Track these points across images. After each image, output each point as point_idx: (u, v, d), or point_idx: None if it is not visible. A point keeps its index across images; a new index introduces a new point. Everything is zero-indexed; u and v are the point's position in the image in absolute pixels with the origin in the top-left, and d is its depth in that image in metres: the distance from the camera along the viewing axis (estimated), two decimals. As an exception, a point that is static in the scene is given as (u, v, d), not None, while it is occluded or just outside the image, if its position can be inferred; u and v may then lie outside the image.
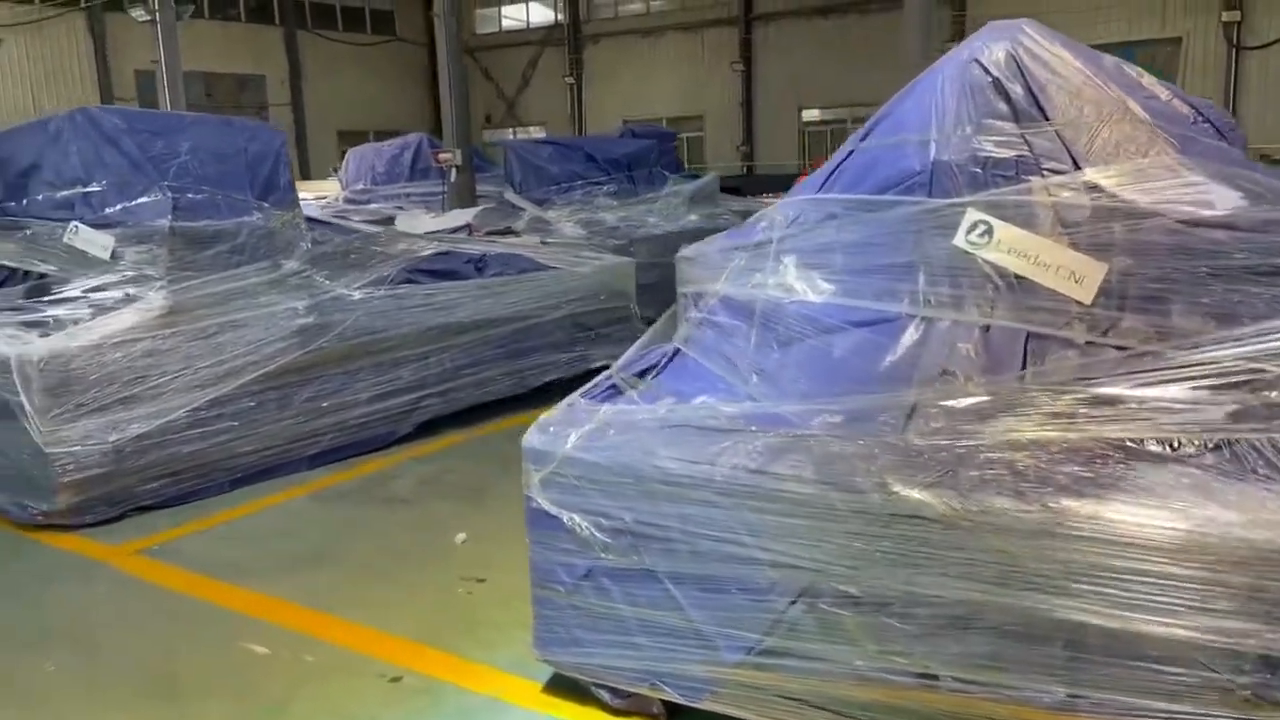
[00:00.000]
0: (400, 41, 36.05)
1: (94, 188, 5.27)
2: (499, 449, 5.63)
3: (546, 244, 7.87)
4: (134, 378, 4.68)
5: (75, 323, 4.74)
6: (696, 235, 10.23)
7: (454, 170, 14.19)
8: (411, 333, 5.80)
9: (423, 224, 10.51)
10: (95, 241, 5.03)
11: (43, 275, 5.25)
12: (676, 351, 3.42)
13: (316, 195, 14.91)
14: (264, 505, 4.89)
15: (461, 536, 4.33)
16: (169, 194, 5.11)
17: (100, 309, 4.84)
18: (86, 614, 3.82)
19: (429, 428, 5.91)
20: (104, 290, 4.91)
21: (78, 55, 28.35)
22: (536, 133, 35.16)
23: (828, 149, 29.73)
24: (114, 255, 4.97)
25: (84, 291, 4.98)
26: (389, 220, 12.68)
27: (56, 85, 28.02)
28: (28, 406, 4.44)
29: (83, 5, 26.97)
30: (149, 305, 4.76)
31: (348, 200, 14.56)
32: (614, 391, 3.19)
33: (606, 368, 3.51)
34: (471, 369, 6.14)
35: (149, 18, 16.60)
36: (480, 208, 11.52)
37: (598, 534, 2.75)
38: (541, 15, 35.22)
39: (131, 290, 4.87)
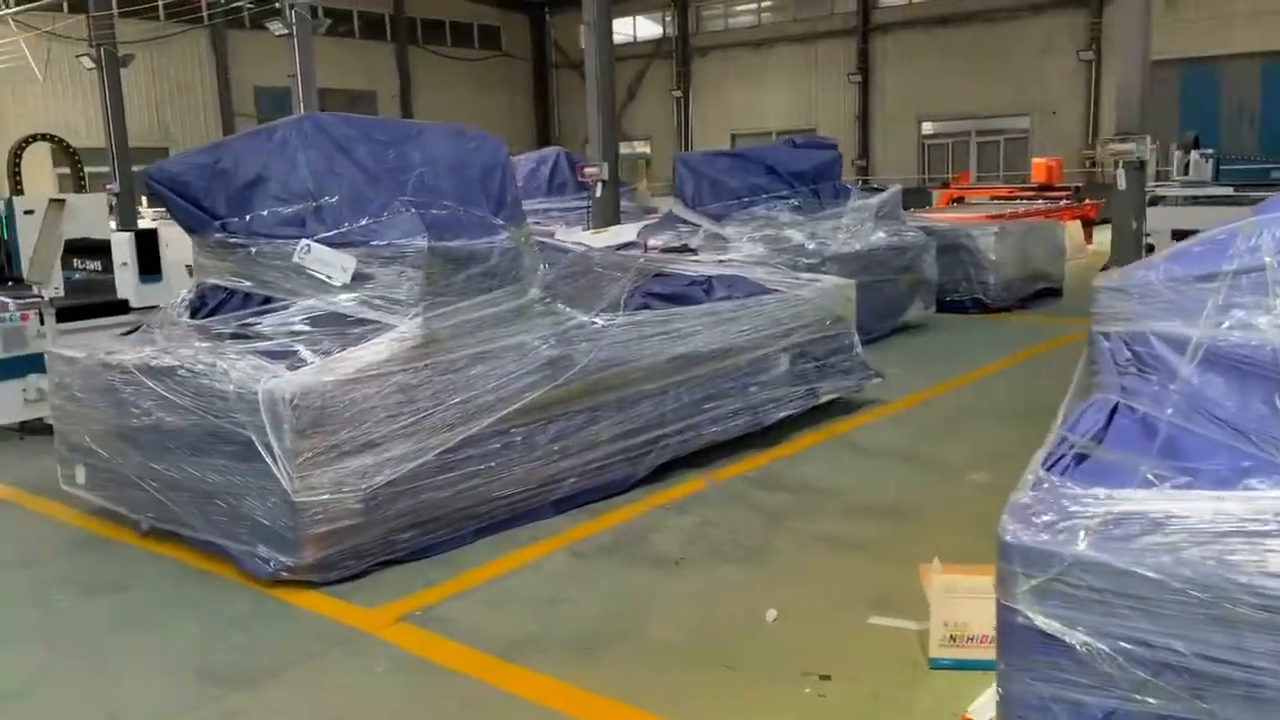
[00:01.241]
0: (506, 57, 36.05)
1: (326, 202, 4.80)
2: (749, 497, 5.04)
3: (762, 264, 7.25)
4: (386, 415, 4.17)
5: (324, 353, 4.25)
6: (891, 253, 9.62)
7: (600, 185, 13.71)
8: (652, 364, 5.22)
9: (587, 242, 9.99)
10: (332, 262, 4.54)
11: (267, 299, 4.80)
12: (1115, 408, 2.75)
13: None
14: (518, 561, 4.33)
15: (772, 614, 3.70)
16: (412, 210, 4.61)
17: (342, 337, 4.35)
18: (375, 704, 3.28)
19: (662, 470, 5.31)
20: (344, 317, 4.42)
21: (200, 71, 28.78)
22: (641, 147, 34.81)
23: (950, 163, 28.74)
24: (355, 277, 4.48)
25: (318, 317, 4.50)
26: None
27: (179, 101, 28.48)
28: (277, 448, 3.96)
29: (206, 23, 27.33)
30: (404, 335, 4.25)
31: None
32: (1077, 462, 2.53)
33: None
34: (709, 404, 5.54)
35: (285, 32, 16.50)
36: (642, 223, 10.98)
37: (1131, 667, 2.10)
38: (648, 30, 34.85)
39: (377, 317, 4.37)
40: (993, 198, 16.72)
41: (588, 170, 13.70)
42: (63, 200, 6.34)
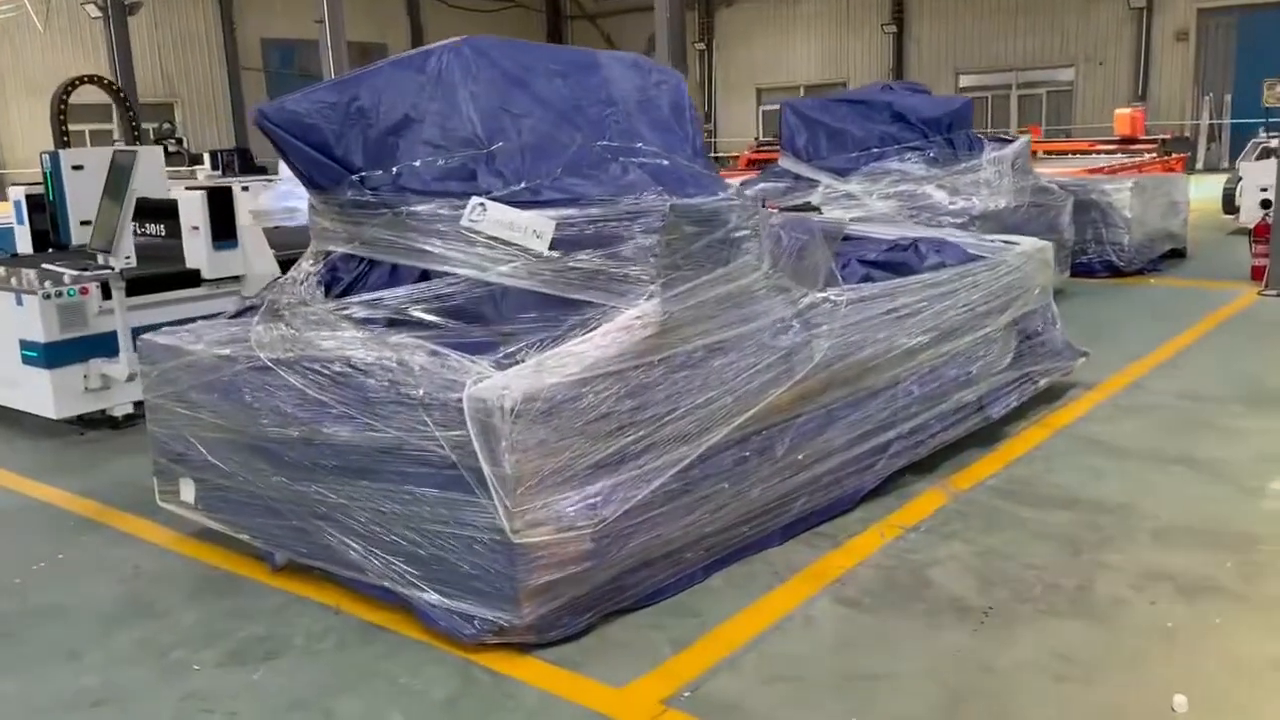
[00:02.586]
0: (520, 8, 34.65)
1: (501, 148, 3.79)
2: (1014, 515, 4.11)
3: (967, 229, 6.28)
4: (617, 427, 3.20)
5: (529, 347, 3.26)
6: (1035, 210, 8.58)
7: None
8: (884, 351, 4.25)
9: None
10: (521, 225, 3.53)
11: (424, 274, 3.80)
12: None
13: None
14: (775, 611, 3.37)
15: (1181, 702, 2.76)
16: (621, 158, 3.61)
17: (545, 324, 3.36)
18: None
19: (888, 482, 4.35)
20: (544, 298, 3.43)
21: (205, 23, 27.41)
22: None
23: (990, 117, 27.57)
24: (555, 245, 3.47)
25: (503, 297, 3.51)
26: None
27: (183, 54, 27.14)
28: (489, 473, 2.98)
29: (212, -29, 25.99)
30: (637, 320, 3.25)
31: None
32: None
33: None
34: (934, 400, 4.58)
35: (312, -25, 15.30)
36: (752, 177, 9.91)
37: None
38: (668, -22, 33.39)
39: (593, 296, 3.38)
40: (1073, 152, 15.68)
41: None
42: (133, 152, 5.32)
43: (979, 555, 3.74)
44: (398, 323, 3.67)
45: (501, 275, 3.54)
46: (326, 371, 3.35)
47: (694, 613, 3.38)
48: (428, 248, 3.80)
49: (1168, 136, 17.52)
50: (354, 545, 3.40)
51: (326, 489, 3.43)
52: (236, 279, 6.30)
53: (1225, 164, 21.49)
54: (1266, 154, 12.88)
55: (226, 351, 3.70)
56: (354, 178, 4.00)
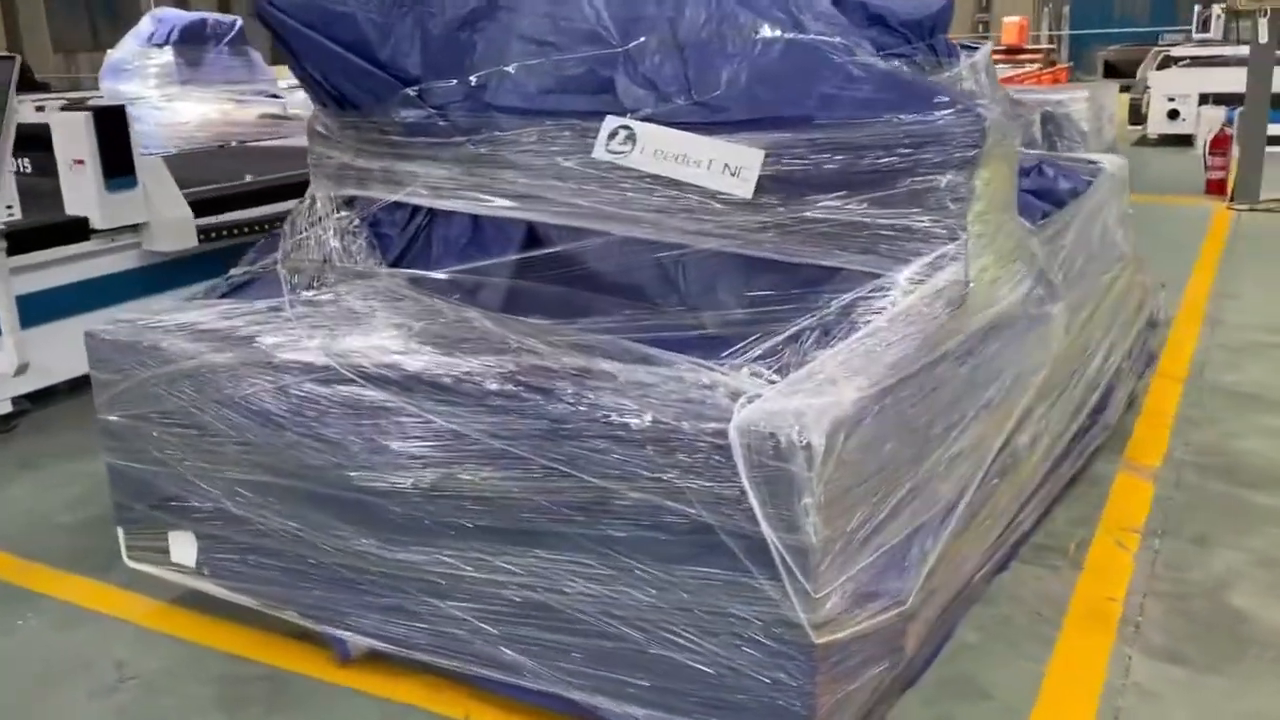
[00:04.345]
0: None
1: (640, 46, 2.65)
2: (1244, 499, 3.39)
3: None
4: (916, 450, 2.20)
5: (762, 340, 2.20)
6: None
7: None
8: (1094, 306, 3.40)
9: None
10: (706, 156, 2.43)
11: (532, 233, 2.66)
12: None
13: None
14: (1090, 682, 2.49)
15: None
16: (842, 56, 2.55)
17: (771, 305, 2.31)
18: None
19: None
20: (766, 264, 2.37)
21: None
22: None
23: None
24: (764, 189, 2.40)
25: (690, 262, 2.43)
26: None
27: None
28: (778, 543, 1.93)
29: None
30: (935, 295, 2.23)
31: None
32: None
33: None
34: (1114, 355, 3.77)
35: None
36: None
37: None
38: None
39: (848, 261, 2.34)
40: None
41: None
42: (11, 59, 3.80)
43: (1263, 565, 2.98)
44: (509, 306, 2.55)
45: (693, 233, 2.45)
46: (469, 386, 2.19)
47: (982, 690, 2.47)
48: (535, 191, 2.67)
49: (1052, 47, 17.39)
50: (502, 635, 2.30)
51: (459, 558, 2.30)
52: (135, 229, 4.84)
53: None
54: (1167, 63, 12.77)
55: (266, 355, 2.46)
56: (409, 91, 2.79)
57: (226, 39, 11.38)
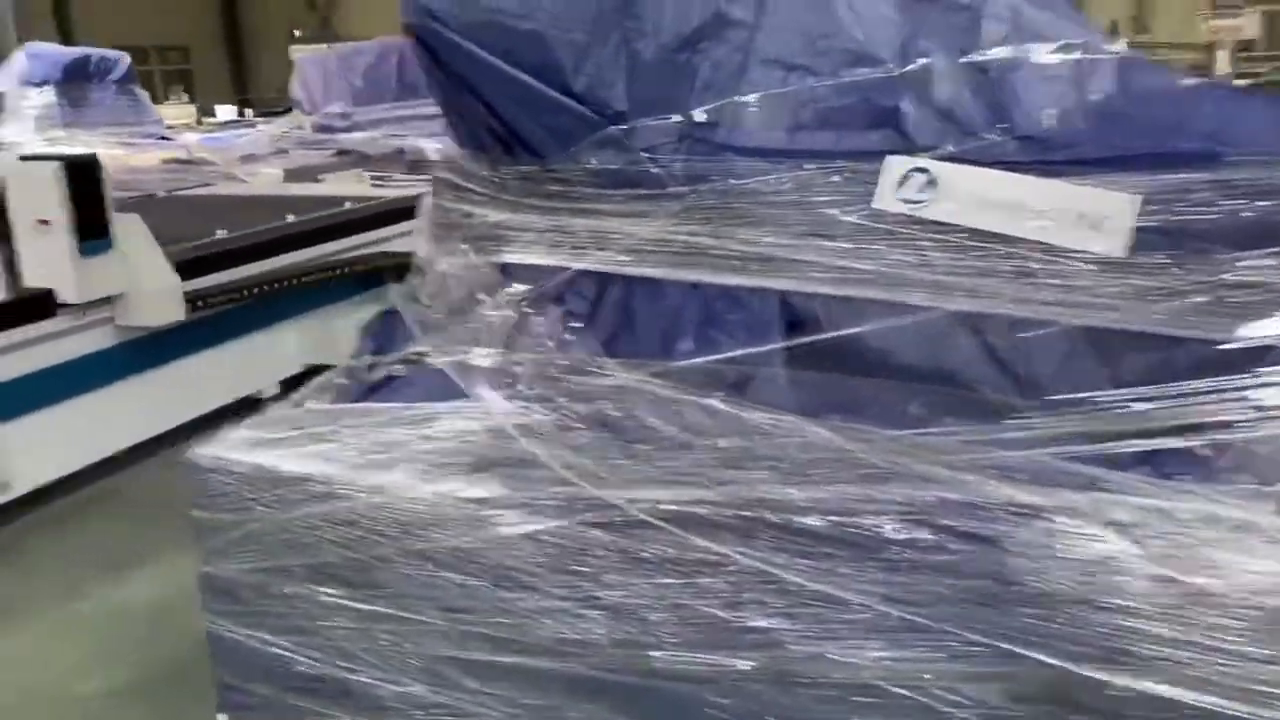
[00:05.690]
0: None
1: (935, 67, 2.11)
2: None
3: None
4: None
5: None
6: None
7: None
8: None
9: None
10: (1076, 204, 1.90)
11: (789, 310, 2.08)
12: None
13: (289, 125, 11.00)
14: None
15: None
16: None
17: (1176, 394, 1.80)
18: None
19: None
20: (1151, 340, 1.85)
21: None
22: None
23: None
24: (1144, 244, 1.89)
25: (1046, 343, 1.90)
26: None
27: None
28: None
29: None
30: None
31: (321, 128, 11.02)
32: None
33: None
34: None
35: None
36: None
37: None
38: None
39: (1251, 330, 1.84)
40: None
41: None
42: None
43: None
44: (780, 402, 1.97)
45: (1043, 304, 1.91)
46: (853, 533, 1.59)
47: None
48: (797, 254, 2.10)
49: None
50: None
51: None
52: (108, 301, 3.99)
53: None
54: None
55: (510, 489, 1.78)
56: (615, 131, 2.19)
57: (113, 76, 10.37)
